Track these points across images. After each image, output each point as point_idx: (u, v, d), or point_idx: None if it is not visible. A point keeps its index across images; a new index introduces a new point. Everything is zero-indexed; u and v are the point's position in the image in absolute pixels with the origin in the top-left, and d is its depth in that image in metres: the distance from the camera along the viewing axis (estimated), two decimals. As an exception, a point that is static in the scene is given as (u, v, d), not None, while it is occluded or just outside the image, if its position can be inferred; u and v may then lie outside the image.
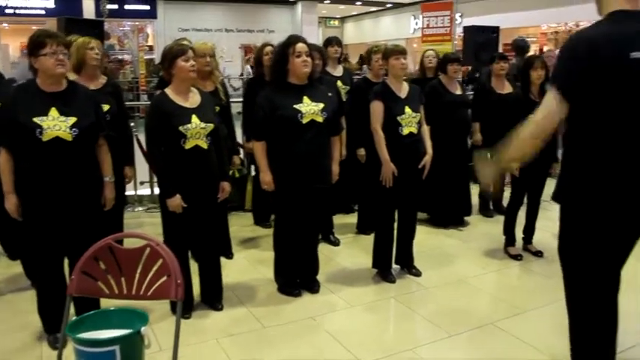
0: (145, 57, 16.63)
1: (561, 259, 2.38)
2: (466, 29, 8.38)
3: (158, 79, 4.69)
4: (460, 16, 11.86)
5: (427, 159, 4.04)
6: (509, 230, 4.71)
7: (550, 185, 2.50)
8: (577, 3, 10.70)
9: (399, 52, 3.98)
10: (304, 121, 3.57)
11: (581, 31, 2.20)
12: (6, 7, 16.24)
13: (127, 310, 2.25)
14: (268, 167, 3.66)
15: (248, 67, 15.30)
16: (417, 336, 3.42)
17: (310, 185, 3.67)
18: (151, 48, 18.56)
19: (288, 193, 3.69)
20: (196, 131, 3.33)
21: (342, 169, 4.06)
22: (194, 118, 3.34)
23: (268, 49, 4.70)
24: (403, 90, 4.03)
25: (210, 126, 3.40)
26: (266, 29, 19.56)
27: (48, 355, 3.10)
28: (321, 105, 3.64)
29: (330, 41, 5.30)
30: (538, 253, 4.66)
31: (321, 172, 3.72)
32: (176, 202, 3.33)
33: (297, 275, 3.93)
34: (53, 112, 2.86)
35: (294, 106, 3.57)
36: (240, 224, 5.45)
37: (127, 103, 5.67)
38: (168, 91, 3.40)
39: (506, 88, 5.59)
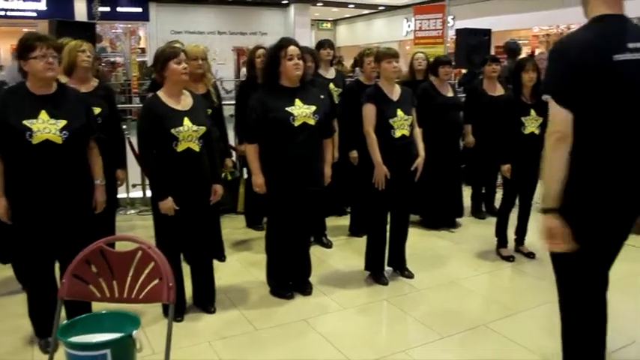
0: (138, 59, 16.62)
1: (553, 259, 2.40)
2: (458, 32, 8.40)
3: (150, 82, 4.68)
4: (452, 19, 11.89)
5: (419, 161, 4.06)
6: (501, 232, 4.73)
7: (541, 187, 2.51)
8: (568, 6, 10.78)
9: (391, 55, 3.99)
10: (296, 123, 3.57)
11: (567, 36, 2.23)
12: (-3, 9, 16.19)
13: (119, 314, 2.24)
14: (260, 170, 3.66)
15: (244, 69, 15.29)
16: (410, 338, 3.43)
17: (302, 188, 3.67)
18: (143, 50, 18.53)
19: (280, 196, 3.69)
20: (188, 134, 3.32)
21: (335, 171, 4.07)
22: (186, 121, 3.33)
23: (260, 51, 4.70)
24: (395, 93, 4.04)
25: (202, 129, 3.40)
26: (259, 32, 19.54)
27: (39, 358, 3.08)
28: (313, 108, 3.64)
29: (323, 44, 5.30)
30: (530, 255, 4.68)
31: (313, 174, 3.73)
32: (168, 204, 3.33)
33: (289, 277, 3.93)
34: (43, 114, 2.85)
35: (286, 108, 3.57)
36: (233, 227, 5.44)
37: (119, 105, 5.67)
38: (160, 93, 3.39)
39: (498, 91, 5.61)
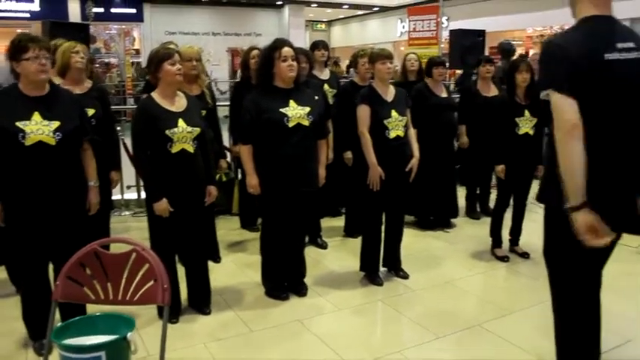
0: (132, 60, 16.59)
1: (546, 259, 2.41)
2: (452, 33, 8.42)
3: (145, 83, 4.67)
4: (446, 20, 11.91)
5: (414, 162, 4.06)
6: (495, 232, 4.75)
7: (536, 187, 2.52)
8: (562, 7, 10.78)
9: (385, 56, 3.99)
10: (290, 124, 3.57)
11: (557, 36, 2.24)
12: (-10, 10, 16.13)
13: (114, 316, 2.24)
14: (254, 171, 3.66)
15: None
16: (405, 338, 3.43)
17: (296, 189, 3.67)
18: (137, 51, 18.49)
19: (274, 197, 3.68)
20: (183, 135, 3.32)
21: (330, 172, 4.07)
22: (180, 122, 3.33)
23: (255, 52, 4.70)
24: (389, 93, 4.05)
25: (197, 130, 3.40)
26: (253, 32, 19.53)
27: (33, 361, 3.08)
28: (308, 109, 3.64)
29: (317, 45, 5.31)
30: (524, 255, 4.69)
31: (308, 175, 3.73)
32: (163, 206, 3.32)
33: (284, 279, 3.93)
34: (36, 116, 2.84)
35: (281, 109, 3.57)
36: (228, 228, 5.44)
37: (114, 107, 5.65)
38: (154, 95, 3.39)
39: (492, 91, 5.63)
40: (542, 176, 2.39)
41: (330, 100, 5.09)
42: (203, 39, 18.02)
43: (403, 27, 18.68)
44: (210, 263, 4.16)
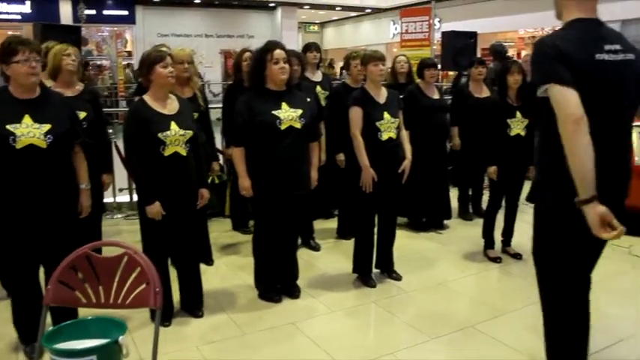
0: (125, 62, 16.54)
1: (535, 260, 2.42)
2: (444, 34, 8.44)
3: (137, 86, 4.66)
4: (439, 22, 11.95)
5: (406, 164, 4.07)
6: (488, 233, 4.76)
7: (528, 188, 2.53)
8: (553, 8, 10.84)
9: (378, 58, 4.00)
10: (282, 127, 3.57)
11: (546, 38, 2.25)
12: (-20, 12, 16.02)
13: (105, 319, 2.22)
14: (247, 173, 3.66)
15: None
16: (398, 340, 3.43)
17: (288, 192, 3.67)
18: (129, 53, 18.43)
19: (266, 199, 3.68)
20: (175, 138, 3.32)
21: (322, 174, 4.07)
22: (173, 125, 3.32)
23: (247, 55, 4.69)
24: (382, 95, 4.06)
25: (189, 133, 3.40)
26: (246, 34, 19.51)
27: (24, 365, 3.06)
28: (300, 111, 3.65)
29: (309, 47, 5.31)
30: (517, 256, 4.71)
31: (300, 178, 3.72)
32: (155, 209, 3.31)
33: (277, 281, 3.92)
34: (27, 119, 2.82)
35: (273, 112, 3.57)
36: (221, 230, 5.43)
37: (106, 109, 5.63)
38: (146, 97, 3.38)
39: (484, 93, 5.65)
40: (533, 177, 2.40)
41: (323, 102, 5.10)
42: (195, 41, 17.98)
43: (396, 29, 18.73)
44: (203, 266, 4.15)
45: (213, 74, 17.92)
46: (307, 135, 3.73)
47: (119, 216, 6.08)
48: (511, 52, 13.97)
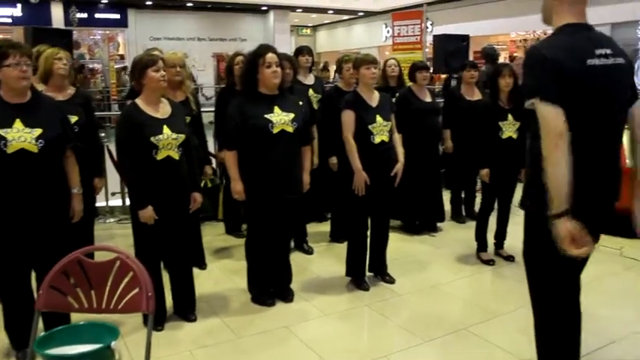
0: (117, 66, 16.50)
1: (526, 263, 2.44)
2: (436, 38, 8.47)
3: (129, 89, 4.65)
4: (431, 25, 12.00)
5: (399, 167, 4.07)
6: (480, 236, 4.77)
7: (520, 190, 2.55)
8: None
9: (370, 61, 4.01)
10: (275, 130, 3.57)
11: (542, 43, 2.26)
12: (-29, 15, 15.94)
13: (97, 325, 2.22)
14: (239, 176, 3.65)
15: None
16: (391, 343, 3.43)
17: (281, 195, 3.67)
18: (122, 57, 18.39)
19: (259, 203, 3.68)
20: (168, 142, 3.31)
21: (315, 177, 4.07)
22: (165, 129, 3.32)
23: (239, 58, 4.69)
24: (374, 99, 4.06)
25: (182, 136, 3.39)
26: (238, 38, 19.54)
27: (16, 371, 3.04)
28: (292, 115, 3.65)
29: (301, 50, 5.32)
30: (509, 258, 4.72)
31: (292, 182, 3.72)
32: (148, 213, 3.30)
33: (270, 284, 3.92)
34: (18, 123, 2.81)
35: (265, 115, 3.57)
36: (214, 234, 5.42)
37: (98, 113, 5.61)
38: (138, 101, 3.38)
39: (476, 95, 5.67)
40: (525, 182, 2.41)
41: (315, 106, 5.11)
42: (188, 44, 17.99)
43: (388, 32, 18.78)
44: (196, 270, 4.14)
45: (205, 78, 17.93)
46: (299, 139, 3.73)
47: (112, 220, 6.06)
48: (503, 55, 14.04)
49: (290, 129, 3.62)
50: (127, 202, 5.34)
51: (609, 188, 2.30)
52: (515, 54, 15.64)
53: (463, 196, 6.01)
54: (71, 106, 3.79)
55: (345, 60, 5.04)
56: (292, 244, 4.59)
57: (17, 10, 16.26)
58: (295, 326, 3.57)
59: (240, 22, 20.25)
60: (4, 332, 3.13)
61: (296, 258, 4.56)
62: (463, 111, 5.50)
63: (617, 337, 3.39)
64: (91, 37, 18.60)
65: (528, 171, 2.35)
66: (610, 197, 2.31)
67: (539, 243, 2.33)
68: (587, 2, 2.26)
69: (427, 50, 9.03)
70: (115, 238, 5.43)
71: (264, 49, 3.65)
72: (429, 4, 9.60)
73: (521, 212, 2.38)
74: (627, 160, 4.82)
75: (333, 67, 15.48)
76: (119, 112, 4.33)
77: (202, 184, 4.29)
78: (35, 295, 2.42)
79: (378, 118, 3.98)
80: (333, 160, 4.83)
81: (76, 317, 2.66)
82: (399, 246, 4.99)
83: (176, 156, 3.36)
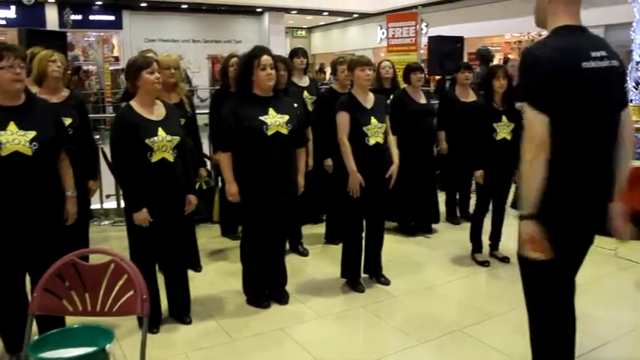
0: (111, 68, 16.47)
1: (520, 264, 2.44)
2: (431, 39, 8.47)
3: (123, 92, 4.64)
4: (425, 26, 12.01)
5: (394, 168, 4.08)
6: (475, 237, 4.78)
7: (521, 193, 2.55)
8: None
9: (364, 63, 4.02)
10: (269, 132, 3.57)
11: (537, 45, 2.27)
12: (-36, 17, 15.87)
13: (92, 327, 2.21)
14: (234, 178, 3.65)
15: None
16: (387, 344, 3.43)
17: (276, 197, 3.67)
18: (116, 59, 18.35)
19: (254, 205, 3.68)
20: (163, 144, 3.31)
21: (310, 179, 4.08)
22: (160, 131, 3.32)
23: (234, 60, 4.69)
24: (369, 100, 4.07)
25: (177, 139, 3.39)
26: (233, 40, 19.53)
27: (10, 375, 3.03)
28: (287, 117, 3.65)
29: (296, 52, 5.32)
30: (504, 259, 4.73)
31: (287, 183, 3.72)
32: (142, 215, 3.30)
33: (265, 286, 3.92)
34: (12, 126, 2.80)
35: (260, 117, 3.57)
36: (209, 236, 5.41)
37: (93, 115, 5.60)
38: (133, 103, 3.37)
39: (471, 97, 5.68)
40: (518, 183, 2.42)
41: (310, 107, 5.11)
42: (183, 46, 17.97)
43: (383, 33, 18.80)
44: (191, 272, 4.14)
45: (200, 79, 17.93)
46: (294, 140, 3.73)
47: (106, 222, 6.04)
48: (498, 57, 14.08)
49: (285, 131, 3.62)
50: (122, 204, 5.33)
51: (603, 190, 2.30)
52: (509, 55, 15.67)
53: (458, 197, 6.03)
54: (65, 109, 3.78)
55: (340, 62, 5.05)
56: (287, 245, 4.59)
57: (11, 12, 16.21)
58: (290, 328, 3.57)
59: (235, 24, 20.25)
60: (-2, 335, 3.11)
61: (291, 260, 4.56)
62: (458, 112, 5.52)
63: (611, 337, 3.40)
64: (86, 38, 18.55)
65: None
66: (604, 200, 2.32)
67: None
68: (581, 3, 2.28)
69: (422, 52, 9.03)
70: (109, 241, 5.42)
71: (259, 51, 3.65)
72: (423, 5, 9.64)
73: (516, 213, 2.39)
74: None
75: (329, 69, 15.53)
76: (114, 114, 4.31)
77: (197, 186, 4.28)
78: (29, 298, 2.42)
79: (373, 120, 3.98)
80: (328, 161, 4.83)
81: (71, 320, 2.66)
82: (394, 247, 5.00)
83: (171, 158, 3.36)
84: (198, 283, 4.20)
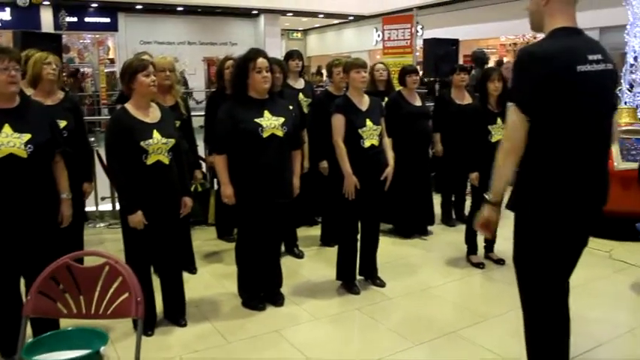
0: (106, 70, 16.44)
1: (516, 265, 2.45)
2: (426, 42, 8.50)
3: (118, 94, 4.64)
4: (421, 29, 12.04)
5: (389, 171, 4.09)
6: (470, 239, 4.79)
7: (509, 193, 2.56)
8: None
9: (360, 65, 4.03)
10: (265, 135, 3.57)
11: (532, 47, 2.28)
12: (-41, 19, 15.80)
13: (87, 330, 2.21)
14: (229, 181, 3.65)
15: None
16: (382, 346, 3.43)
17: (271, 200, 3.67)
18: (112, 61, 18.31)
19: (249, 207, 3.68)
20: (158, 146, 3.31)
21: (306, 181, 4.08)
22: (155, 134, 3.32)
23: (229, 62, 4.69)
24: (364, 103, 4.08)
25: (172, 141, 3.39)
26: (229, 42, 19.49)
27: (4, 378, 3.02)
28: (282, 119, 3.65)
29: (292, 55, 5.33)
30: (499, 261, 4.74)
31: (282, 186, 3.73)
32: (137, 218, 3.29)
33: (261, 289, 3.91)
34: (6, 128, 2.79)
35: (255, 120, 3.58)
36: (204, 238, 5.40)
37: (88, 117, 5.59)
38: (128, 106, 3.37)
39: (466, 99, 5.69)
40: (513, 184, 2.43)
41: (305, 110, 5.11)
42: (179, 48, 17.92)
43: (379, 36, 18.82)
44: (186, 274, 4.13)
45: (196, 82, 17.87)
46: (289, 143, 3.73)
47: (101, 225, 6.03)
48: (493, 59, 14.10)
49: (280, 133, 3.62)
50: (117, 206, 5.32)
51: (598, 192, 2.32)
52: (504, 58, 15.71)
53: (453, 199, 6.03)
54: (60, 111, 3.77)
55: (336, 64, 5.05)
56: (283, 248, 4.58)
57: (6, 14, 16.13)
58: (286, 330, 3.57)
59: (231, 26, 20.22)
60: (-8, 338, 3.10)
61: (286, 262, 4.55)
62: (453, 115, 5.53)
63: (605, 339, 3.41)
64: (81, 41, 18.49)
65: (517, 173, 2.36)
66: (599, 201, 2.33)
67: (529, 246, 2.35)
68: (577, 3, 2.29)
69: (417, 54, 9.05)
70: (104, 243, 5.40)
71: (254, 53, 3.65)
72: (419, 8, 9.64)
73: (511, 215, 2.40)
74: (615, 163, 4.87)
75: (325, 71, 15.53)
76: (109, 117, 4.31)
77: (192, 189, 4.28)
78: (24, 300, 2.41)
79: (368, 122, 3.99)
80: (324, 164, 4.83)
81: (65, 323, 2.65)
82: (389, 249, 5.00)
83: (166, 160, 3.36)
84: (194, 286, 4.19)
